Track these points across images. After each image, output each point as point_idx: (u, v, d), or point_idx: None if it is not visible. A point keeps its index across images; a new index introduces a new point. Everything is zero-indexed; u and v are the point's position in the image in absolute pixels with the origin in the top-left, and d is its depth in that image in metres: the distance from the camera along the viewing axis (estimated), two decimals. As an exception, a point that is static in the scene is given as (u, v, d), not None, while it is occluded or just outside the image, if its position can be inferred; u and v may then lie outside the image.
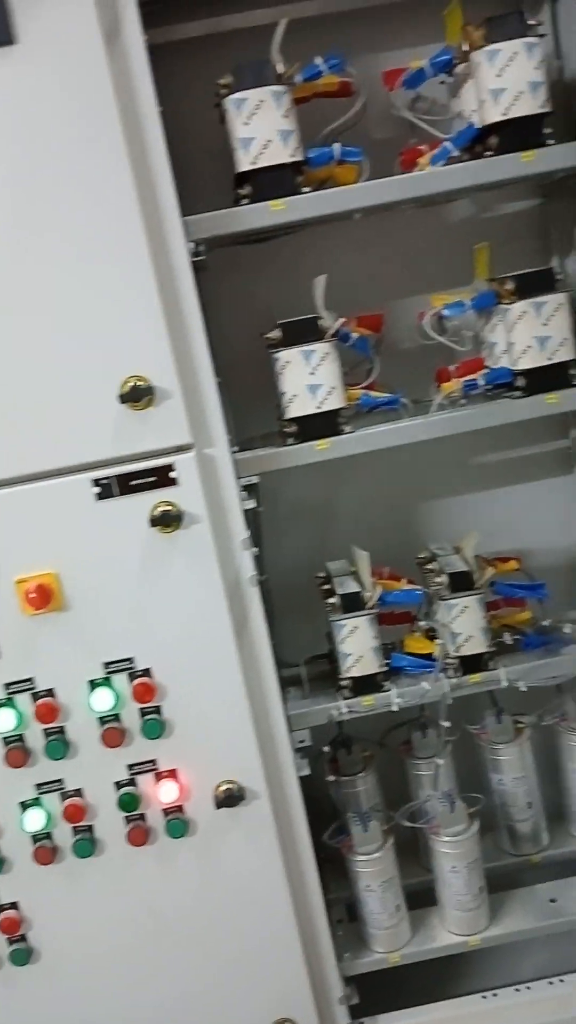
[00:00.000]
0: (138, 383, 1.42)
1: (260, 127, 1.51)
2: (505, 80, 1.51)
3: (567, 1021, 1.77)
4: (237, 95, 1.50)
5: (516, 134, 1.54)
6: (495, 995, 1.83)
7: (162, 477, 1.47)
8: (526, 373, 1.63)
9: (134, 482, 1.47)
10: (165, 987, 1.66)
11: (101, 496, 1.47)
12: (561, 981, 1.83)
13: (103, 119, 1.36)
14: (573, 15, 1.73)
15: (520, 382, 1.64)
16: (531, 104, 1.52)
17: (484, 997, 1.83)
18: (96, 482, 1.46)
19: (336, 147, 1.58)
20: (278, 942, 1.66)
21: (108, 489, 1.47)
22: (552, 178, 1.76)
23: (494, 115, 1.53)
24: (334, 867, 1.86)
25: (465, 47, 1.55)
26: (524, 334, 1.61)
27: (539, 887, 1.94)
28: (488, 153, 1.56)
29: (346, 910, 1.92)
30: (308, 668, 1.82)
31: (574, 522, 2.04)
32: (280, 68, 1.51)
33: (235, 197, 1.56)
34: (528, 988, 1.83)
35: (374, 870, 1.77)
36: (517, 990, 1.83)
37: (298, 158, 1.54)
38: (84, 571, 1.49)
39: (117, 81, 1.36)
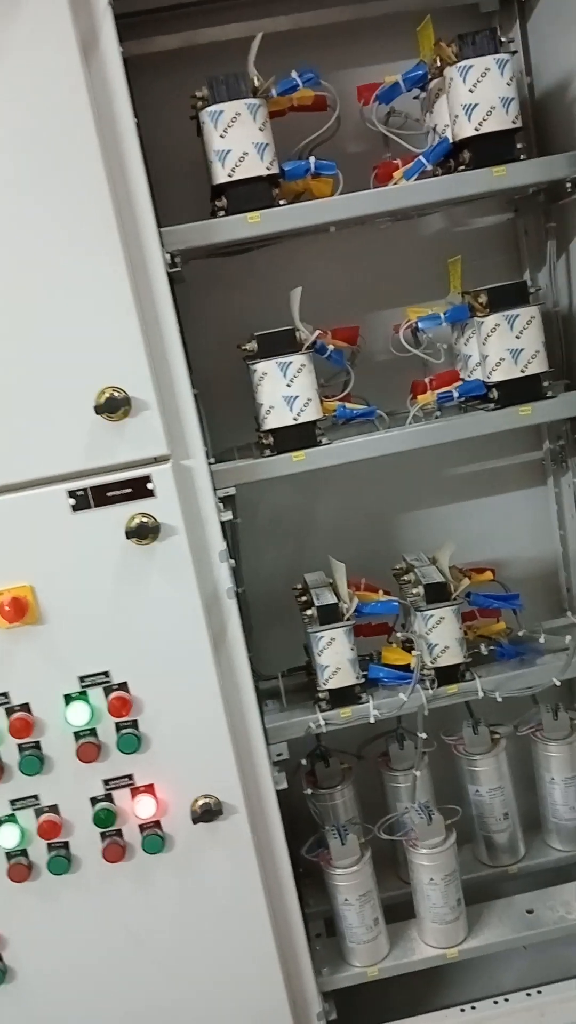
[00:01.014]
0: (114, 394, 1.41)
1: (236, 140, 1.51)
2: (477, 95, 1.53)
3: (545, 1032, 1.77)
4: (213, 107, 1.51)
5: (488, 149, 1.56)
6: (473, 1008, 1.83)
7: (138, 488, 1.46)
8: (499, 385, 1.64)
9: (110, 493, 1.46)
10: (142, 1005, 1.64)
11: (76, 508, 1.46)
12: (539, 992, 1.83)
13: (80, 130, 1.35)
14: (543, 33, 1.76)
15: (494, 394, 1.65)
16: (503, 119, 1.54)
17: (463, 1010, 1.83)
18: (71, 494, 1.45)
19: (311, 160, 1.59)
20: (256, 958, 1.65)
21: (84, 501, 1.45)
22: (523, 193, 1.79)
23: (467, 130, 1.55)
24: (312, 881, 1.86)
25: (438, 63, 1.57)
26: (497, 347, 1.63)
27: (516, 898, 1.94)
28: (461, 168, 1.58)
29: (324, 924, 1.91)
30: (286, 680, 1.82)
31: (548, 533, 2.06)
32: (256, 81, 1.52)
33: (212, 209, 1.57)
34: (506, 1000, 1.83)
35: (352, 883, 1.76)
36: (495, 1002, 1.83)
37: (274, 171, 1.55)
38: (59, 584, 1.48)
39: (94, 93, 1.36)
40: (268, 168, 1.54)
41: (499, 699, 1.74)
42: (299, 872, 1.77)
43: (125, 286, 1.40)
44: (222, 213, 1.54)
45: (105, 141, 1.37)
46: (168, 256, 1.46)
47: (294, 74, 1.57)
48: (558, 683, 1.76)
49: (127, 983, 1.62)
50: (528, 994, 1.82)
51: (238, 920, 1.63)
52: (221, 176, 1.53)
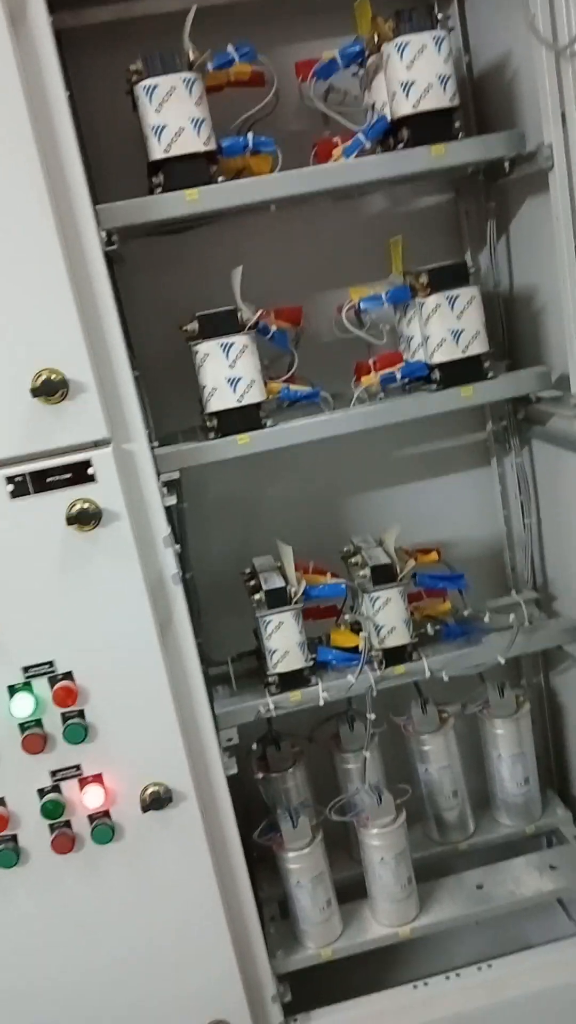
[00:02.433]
0: (51, 376, 1.37)
1: (172, 115, 1.48)
2: (414, 73, 1.52)
3: (497, 1005, 1.79)
4: (148, 81, 1.47)
5: (426, 127, 1.55)
6: (426, 984, 1.84)
7: (79, 474, 1.43)
8: (441, 366, 1.64)
9: (50, 479, 1.42)
10: (96, 995, 1.62)
11: (15, 494, 1.41)
12: (489, 966, 1.84)
13: (9, 103, 1.30)
14: (480, 10, 1.75)
15: (436, 375, 1.65)
16: (440, 98, 1.53)
17: (415, 987, 1.84)
18: (9, 479, 1.41)
19: (249, 137, 1.57)
20: (210, 944, 1.64)
21: (23, 487, 1.41)
22: (463, 172, 1.78)
23: (405, 108, 1.54)
24: (266, 865, 1.86)
25: (375, 39, 1.55)
26: (438, 327, 1.63)
27: (466, 874, 1.96)
28: (400, 146, 1.57)
29: (279, 908, 1.91)
30: (236, 665, 1.81)
31: (492, 513, 2.07)
32: (191, 55, 1.48)
33: (149, 186, 1.53)
34: (458, 975, 1.84)
35: (304, 866, 1.76)
36: (447, 977, 1.84)
37: (211, 147, 1.51)
38: (-1, 572, 1.44)
39: (23, 64, 1.31)
40: (205, 144, 1.50)
41: (446, 678, 1.76)
42: (253, 857, 1.76)
43: (60, 265, 1.35)
44: (159, 190, 1.51)
45: (36, 114, 1.32)
46: (104, 234, 1.42)
47: (230, 48, 1.54)
48: (503, 661, 1.78)
49: (79, 972, 1.60)
50: (479, 968, 1.84)
51: (190, 907, 1.62)
52: (158, 152, 1.50)
